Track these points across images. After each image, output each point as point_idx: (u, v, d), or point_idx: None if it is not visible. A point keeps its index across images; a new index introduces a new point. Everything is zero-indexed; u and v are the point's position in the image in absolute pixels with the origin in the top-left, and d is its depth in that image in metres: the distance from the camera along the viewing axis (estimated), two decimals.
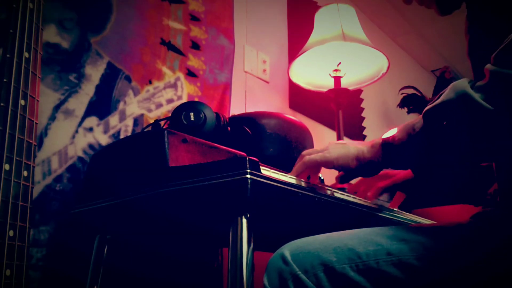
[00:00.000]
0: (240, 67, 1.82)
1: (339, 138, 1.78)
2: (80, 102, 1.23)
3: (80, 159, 1.20)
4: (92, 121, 1.25)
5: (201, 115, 1.06)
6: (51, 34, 1.19)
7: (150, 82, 1.43)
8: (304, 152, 0.90)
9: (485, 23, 0.80)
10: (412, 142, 0.76)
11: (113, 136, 1.29)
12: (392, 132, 0.80)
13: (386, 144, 0.80)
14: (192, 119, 1.05)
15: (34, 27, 0.93)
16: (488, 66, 0.68)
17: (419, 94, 2.86)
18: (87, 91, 1.25)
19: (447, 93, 0.70)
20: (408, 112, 2.87)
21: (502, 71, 0.65)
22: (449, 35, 2.98)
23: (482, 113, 0.65)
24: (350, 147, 0.86)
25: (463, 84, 0.69)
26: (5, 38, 0.89)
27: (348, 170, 0.87)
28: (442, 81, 3.10)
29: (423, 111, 0.73)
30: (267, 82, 1.96)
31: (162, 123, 1.14)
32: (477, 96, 0.66)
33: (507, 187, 0.79)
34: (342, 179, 0.92)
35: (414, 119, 0.77)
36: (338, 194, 0.92)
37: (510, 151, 0.70)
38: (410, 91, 2.86)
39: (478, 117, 0.66)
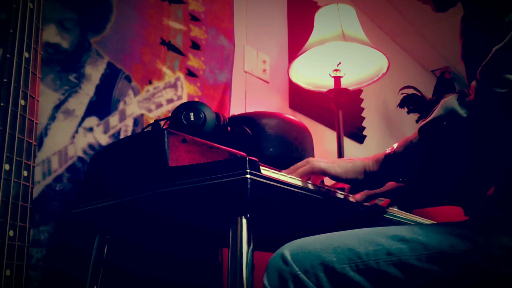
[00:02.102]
0: (240, 67, 1.82)
1: (339, 138, 1.78)
2: (80, 102, 1.23)
3: (80, 159, 1.20)
4: (92, 121, 1.25)
5: (201, 115, 1.06)
6: (51, 34, 1.19)
7: (150, 82, 1.43)
8: (310, 159, 0.92)
9: (480, 20, 0.81)
10: (410, 154, 0.81)
11: (113, 136, 1.29)
12: (394, 146, 0.86)
13: (388, 157, 0.85)
14: (192, 119, 1.05)
15: (34, 27, 0.93)
16: (473, 83, 0.73)
17: (419, 94, 2.86)
18: (87, 91, 1.25)
19: (438, 110, 0.76)
20: (408, 112, 2.87)
21: (487, 90, 0.70)
22: (449, 35, 2.97)
23: (466, 127, 0.72)
24: (356, 162, 0.90)
25: (452, 101, 0.74)
26: (5, 38, 0.89)
27: (355, 184, 0.90)
28: (442, 81, 3.10)
29: (418, 128, 0.79)
30: (267, 82, 1.96)
31: (162, 123, 1.14)
32: (463, 112, 0.72)
33: (505, 188, 0.79)
34: (352, 191, 0.97)
35: (412, 134, 0.82)
36: (338, 194, 0.92)
37: (493, 161, 0.77)
38: (410, 91, 2.86)
39: (463, 131, 0.72)
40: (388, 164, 0.85)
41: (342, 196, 0.93)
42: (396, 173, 0.86)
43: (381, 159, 0.87)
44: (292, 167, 0.91)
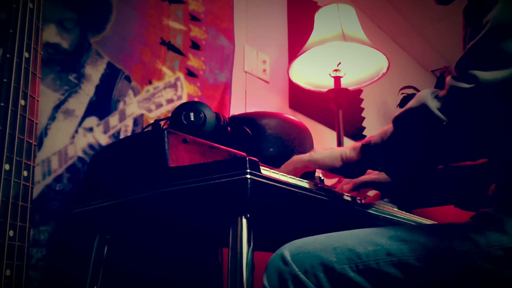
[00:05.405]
0: (240, 67, 1.82)
1: (339, 138, 1.78)
2: (80, 102, 1.23)
3: (80, 159, 1.20)
4: (92, 121, 1.25)
5: (201, 115, 1.06)
6: (51, 34, 1.19)
7: (150, 82, 1.43)
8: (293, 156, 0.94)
9: (473, 15, 0.81)
10: (385, 144, 0.81)
11: (113, 136, 1.29)
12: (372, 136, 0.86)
13: (364, 146, 0.85)
14: (192, 119, 1.05)
15: (34, 27, 0.93)
16: (448, 78, 0.73)
17: None
18: (87, 91, 1.25)
19: (412, 102, 0.76)
20: None
21: (455, 86, 0.70)
22: (449, 35, 2.97)
23: (436, 122, 0.71)
24: (335, 150, 0.91)
25: (425, 94, 0.74)
26: (5, 38, 0.89)
27: (333, 170, 0.91)
28: (442, 81, 3.10)
29: (393, 118, 0.79)
30: (267, 82, 1.96)
31: (162, 123, 1.14)
32: (434, 106, 0.71)
33: (505, 189, 0.79)
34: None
35: (389, 125, 0.82)
36: (339, 194, 0.92)
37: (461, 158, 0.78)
38: (410, 91, 2.86)
39: (432, 124, 0.72)
40: (365, 153, 0.85)
41: (342, 196, 0.93)
42: (370, 161, 0.86)
43: (358, 148, 0.87)
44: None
